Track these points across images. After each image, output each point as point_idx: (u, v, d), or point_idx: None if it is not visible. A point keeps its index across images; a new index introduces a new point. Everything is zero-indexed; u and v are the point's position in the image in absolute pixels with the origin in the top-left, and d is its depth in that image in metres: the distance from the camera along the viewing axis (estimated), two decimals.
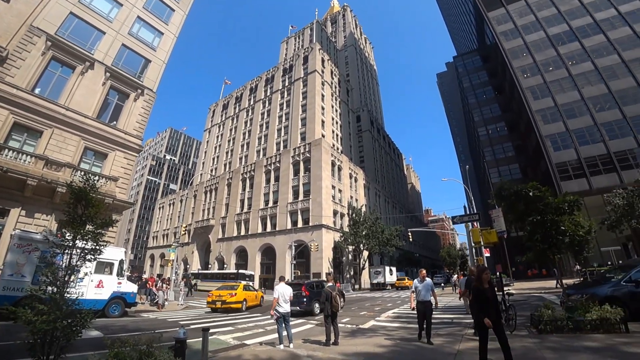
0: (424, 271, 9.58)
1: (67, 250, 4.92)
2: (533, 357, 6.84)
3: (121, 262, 16.12)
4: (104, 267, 15.05)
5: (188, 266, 62.74)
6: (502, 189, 19.69)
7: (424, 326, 8.90)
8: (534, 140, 43.36)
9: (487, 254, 29.24)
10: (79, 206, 5.14)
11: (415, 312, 9.20)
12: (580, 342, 7.56)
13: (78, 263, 5.00)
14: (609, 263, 28.24)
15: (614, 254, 32.45)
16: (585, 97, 40.70)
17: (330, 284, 9.72)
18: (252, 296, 22.01)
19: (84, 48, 20.20)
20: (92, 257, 5.08)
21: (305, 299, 17.20)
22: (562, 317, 9.03)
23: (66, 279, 4.81)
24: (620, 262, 25.36)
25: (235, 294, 19.53)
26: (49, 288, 4.66)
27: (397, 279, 48.26)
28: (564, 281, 18.21)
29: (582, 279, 22.56)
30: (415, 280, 9.51)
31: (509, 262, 35.36)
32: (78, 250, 5.05)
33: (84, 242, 5.01)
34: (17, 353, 5.67)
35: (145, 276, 41.61)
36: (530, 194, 15.46)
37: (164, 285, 22.58)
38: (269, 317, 15.05)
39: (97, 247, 5.07)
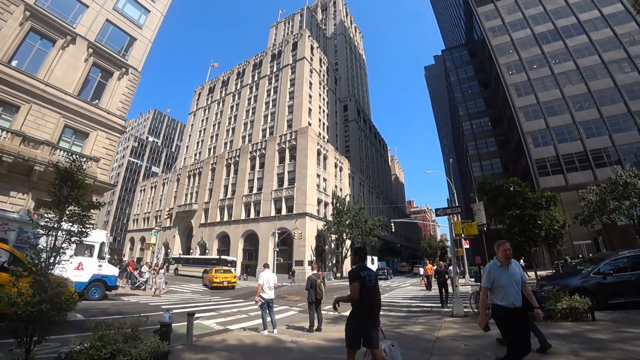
0: (507, 245, 4.60)
1: (51, 232, 4.84)
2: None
3: (102, 244, 15.93)
4: (84, 249, 14.80)
5: (169, 250, 62.13)
6: (485, 183, 20.14)
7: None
8: (516, 136, 44.32)
9: (467, 246, 30.11)
10: (65, 187, 5.05)
11: (482, 327, 4.45)
12: (550, 330, 7.94)
13: (64, 245, 4.93)
14: (580, 256, 29.38)
15: (585, 247, 33.84)
16: (566, 95, 41.76)
17: (314, 271, 9.87)
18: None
19: (65, 21, 19.33)
20: (78, 239, 5.02)
21: (385, 273, 40.15)
22: None
23: (50, 260, 4.75)
24: (591, 255, 26.44)
25: (235, 276, 28.59)
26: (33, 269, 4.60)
27: (401, 266, 67.68)
28: (538, 273, 18.93)
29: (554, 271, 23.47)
30: (490, 263, 4.73)
31: (487, 255, 36.37)
32: (63, 232, 4.97)
33: (70, 224, 4.94)
34: None
35: (125, 259, 41.05)
36: (511, 189, 15.87)
37: (161, 271, 21.83)
38: (252, 303, 15.21)
39: (84, 230, 5.02)
